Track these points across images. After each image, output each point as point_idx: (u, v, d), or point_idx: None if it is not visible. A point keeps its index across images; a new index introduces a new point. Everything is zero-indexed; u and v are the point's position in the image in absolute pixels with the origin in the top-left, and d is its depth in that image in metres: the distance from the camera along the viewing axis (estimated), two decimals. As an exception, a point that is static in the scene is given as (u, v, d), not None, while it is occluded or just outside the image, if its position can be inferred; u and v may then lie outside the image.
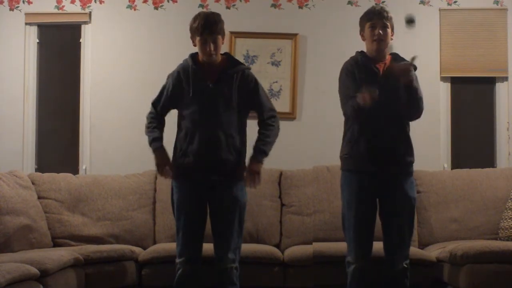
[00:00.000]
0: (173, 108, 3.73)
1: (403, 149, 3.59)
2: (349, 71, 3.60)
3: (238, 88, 3.61)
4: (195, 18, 3.57)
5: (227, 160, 3.56)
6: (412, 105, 3.54)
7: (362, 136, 3.55)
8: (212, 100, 3.55)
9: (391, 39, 3.61)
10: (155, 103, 3.72)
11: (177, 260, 3.57)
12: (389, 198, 3.58)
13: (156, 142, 3.62)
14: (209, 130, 3.54)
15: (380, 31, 3.54)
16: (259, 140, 3.64)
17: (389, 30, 3.57)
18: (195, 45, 3.60)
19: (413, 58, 3.46)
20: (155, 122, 3.69)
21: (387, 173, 3.55)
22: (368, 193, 3.56)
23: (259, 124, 3.69)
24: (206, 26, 3.51)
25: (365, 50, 3.68)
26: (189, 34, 3.62)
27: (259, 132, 3.67)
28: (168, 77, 3.69)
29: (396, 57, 3.65)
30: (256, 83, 3.67)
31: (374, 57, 3.60)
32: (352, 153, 3.58)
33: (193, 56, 3.65)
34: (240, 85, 3.61)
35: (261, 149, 3.61)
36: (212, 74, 3.58)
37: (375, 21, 3.55)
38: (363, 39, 3.66)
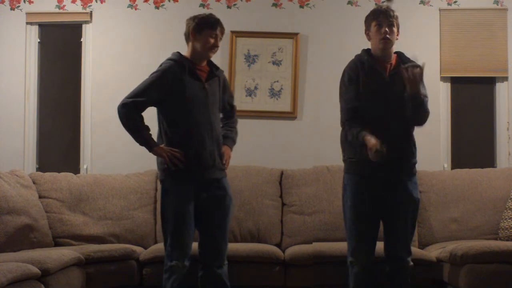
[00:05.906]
0: None
1: (409, 152, 3.57)
2: (354, 72, 3.54)
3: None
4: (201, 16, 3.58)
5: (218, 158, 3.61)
6: (416, 114, 3.49)
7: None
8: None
9: (396, 38, 3.57)
10: None
11: (175, 263, 3.41)
12: (393, 199, 3.53)
13: None
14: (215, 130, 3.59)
15: (387, 29, 3.50)
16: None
17: (395, 29, 3.54)
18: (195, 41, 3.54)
19: (423, 65, 3.44)
20: None
21: (393, 177, 3.52)
22: (373, 195, 3.51)
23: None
24: (218, 22, 3.56)
25: (365, 50, 3.65)
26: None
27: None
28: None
29: (401, 56, 3.61)
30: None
31: (380, 57, 3.56)
32: (357, 157, 3.50)
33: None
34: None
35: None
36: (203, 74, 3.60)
37: (382, 19, 3.51)
38: (369, 39, 3.61)
